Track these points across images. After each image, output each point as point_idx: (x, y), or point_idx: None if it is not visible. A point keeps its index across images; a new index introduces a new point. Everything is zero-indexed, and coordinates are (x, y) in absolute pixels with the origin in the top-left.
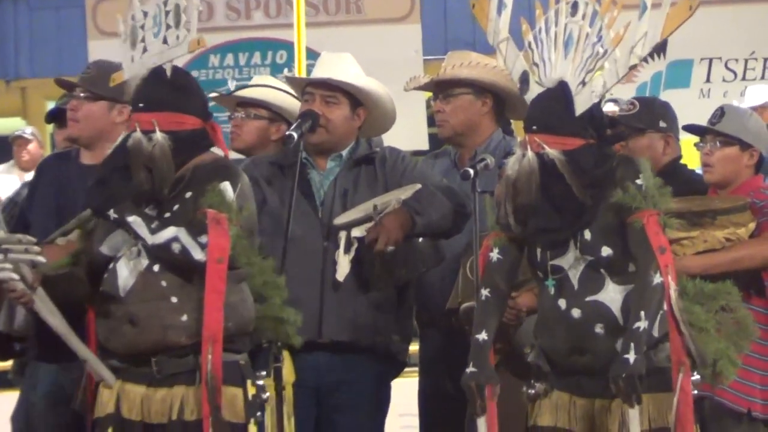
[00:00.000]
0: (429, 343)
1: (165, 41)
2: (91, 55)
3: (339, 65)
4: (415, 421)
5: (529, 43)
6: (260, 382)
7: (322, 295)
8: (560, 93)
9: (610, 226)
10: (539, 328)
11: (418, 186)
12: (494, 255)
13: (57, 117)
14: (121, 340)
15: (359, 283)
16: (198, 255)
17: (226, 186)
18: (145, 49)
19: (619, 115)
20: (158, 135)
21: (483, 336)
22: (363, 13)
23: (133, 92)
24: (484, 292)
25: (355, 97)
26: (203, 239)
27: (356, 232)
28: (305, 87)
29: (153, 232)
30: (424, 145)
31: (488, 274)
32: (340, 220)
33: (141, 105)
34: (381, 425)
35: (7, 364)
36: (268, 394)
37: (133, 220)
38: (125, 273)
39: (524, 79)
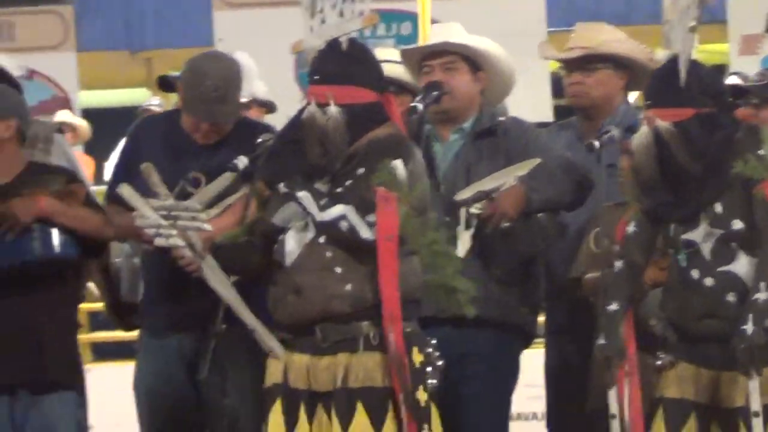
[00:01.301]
0: (554, 315)
1: (341, 14)
2: (216, 26)
3: (451, 32)
4: (542, 392)
5: None
6: (429, 350)
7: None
8: (671, 65)
9: (740, 199)
10: (668, 299)
11: (537, 161)
12: (631, 228)
13: (172, 86)
14: (286, 309)
15: (482, 257)
16: (365, 234)
17: (398, 164)
18: (323, 21)
19: (750, 86)
20: (333, 109)
21: (614, 307)
22: None
23: (309, 64)
24: (619, 264)
25: (473, 61)
26: (371, 218)
27: (475, 209)
28: (422, 61)
29: (322, 208)
30: (548, 116)
31: (624, 246)
32: (460, 196)
33: (317, 78)
34: (508, 397)
35: (134, 334)
36: (441, 362)
37: (303, 195)
38: (292, 244)
39: None
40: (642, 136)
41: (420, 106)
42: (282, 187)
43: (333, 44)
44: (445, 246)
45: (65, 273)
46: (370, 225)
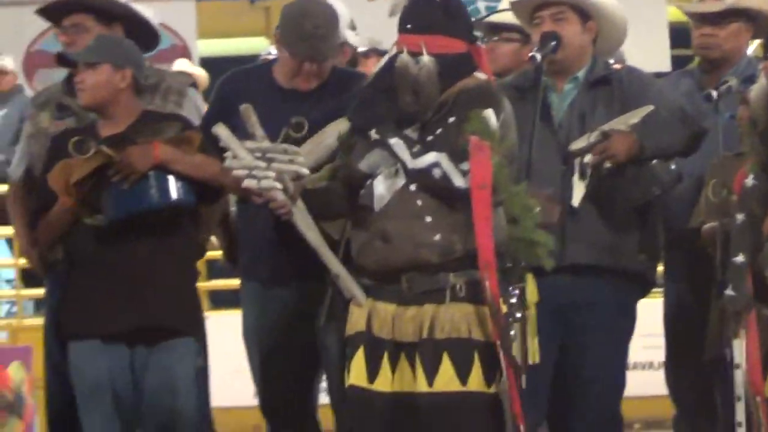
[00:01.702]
0: (673, 264)
1: None
2: None
3: None
4: (658, 342)
5: None
6: (513, 300)
7: (562, 218)
8: None
9: None
10: None
11: (650, 108)
12: (749, 180)
13: None
14: (372, 256)
15: (598, 206)
16: (458, 182)
17: (490, 113)
18: None
19: None
20: (425, 58)
21: (741, 259)
22: None
23: (401, 12)
24: (740, 216)
25: (582, 11)
26: (464, 166)
27: (589, 158)
28: (533, 13)
29: (414, 156)
30: (666, 66)
31: (744, 198)
32: (575, 145)
33: (409, 27)
34: (626, 345)
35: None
36: (520, 314)
37: (395, 142)
38: (381, 190)
39: None
40: (760, 87)
41: (538, 57)
42: (373, 134)
43: None
44: (527, 199)
45: (183, 220)
46: (464, 173)
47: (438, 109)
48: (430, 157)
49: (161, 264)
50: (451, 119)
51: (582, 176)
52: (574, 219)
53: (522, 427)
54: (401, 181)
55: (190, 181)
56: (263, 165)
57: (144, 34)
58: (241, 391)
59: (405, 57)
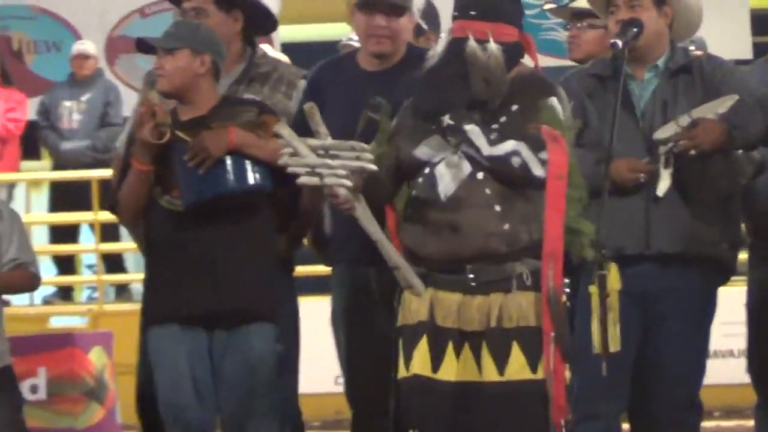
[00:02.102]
0: (757, 251)
1: None
2: None
3: None
4: (738, 330)
5: None
6: (567, 290)
7: (648, 207)
8: None
9: None
10: None
11: (736, 97)
12: None
13: None
14: (437, 246)
15: (683, 195)
16: (538, 171)
17: (555, 102)
18: None
19: None
20: (493, 46)
21: None
22: None
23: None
24: None
25: None
26: (543, 155)
27: (674, 146)
28: (608, 0)
29: (492, 143)
30: (747, 54)
31: None
32: (659, 134)
33: (473, 13)
34: (707, 333)
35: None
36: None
37: (471, 128)
38: (447, 179)
39: None
40: None
41: (619, 44)
42: (447, 119)
43: None
44: (582, 189)
45: (261, 205)
46: (542, 162)
47: (502, 96)
48: (509, 145)
49: (239, 249)
50: (515, 107)
51: (667, 165)
52: (660, 208)
53: (562, 422)
54: (467, 169)
55: (267, 165)
56: (327, 162)
57: (262, 19)
58: (322, 378)
59: (474, 44)
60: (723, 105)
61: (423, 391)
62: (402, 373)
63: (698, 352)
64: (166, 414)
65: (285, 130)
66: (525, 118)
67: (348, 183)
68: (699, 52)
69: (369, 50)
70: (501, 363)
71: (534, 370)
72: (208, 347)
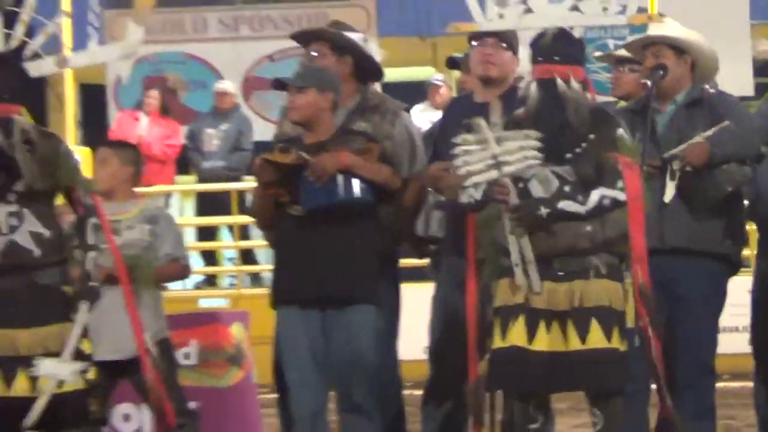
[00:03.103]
0: (763, 241)
1: (605, 9)
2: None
3: (663, 28)
4: (742, 310)
5: None
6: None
7: (660, 211)
8: None
9: None
10: None
11: (726, 123)
12: None
13: (457, 64)
14: (539, 244)
15: (685, 200)
16: (621, 197)
17: (623, 132)
18: (576, 8)
19: None
20: (576, 84)
21: None
22: None
23: (540, 44)
24: None
25: (677, 48)
26: (620, 184)
27: (677, 164)
28: (642, 51)
29: (582, 203)
30: (749, 91)
31: None
32: (669, 153)
33: (557, 58)
34: (718, 313)
35: (424, 261)
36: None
37: (565, 204)
38: (539, 192)
39: None
40: None
41: (649, 83)
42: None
43: (565, 30)
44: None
45: (365, 212)
46: (621, 189)
47: (577, 126)
48: (595, 196)
49: (346, 245)
50: (592, 136)
51: (672, 177)
52: (668, 211)
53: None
54: (555, 183)
55: (370, 183)
56: (507, 148)
57: (370, 67)
58: (416, 348)
59: (562, 84)
60: (713, 129)
61: (519, 359)
62: (498, 344)
63: (711, 327)
64: (289, 377)
65: (482, 122)
66: (601, 146)
67: (534, 162)
68: (712, 90)
69: (478, 74)
70: (583, 335)
71: (609, 340)
72: (321, 325)
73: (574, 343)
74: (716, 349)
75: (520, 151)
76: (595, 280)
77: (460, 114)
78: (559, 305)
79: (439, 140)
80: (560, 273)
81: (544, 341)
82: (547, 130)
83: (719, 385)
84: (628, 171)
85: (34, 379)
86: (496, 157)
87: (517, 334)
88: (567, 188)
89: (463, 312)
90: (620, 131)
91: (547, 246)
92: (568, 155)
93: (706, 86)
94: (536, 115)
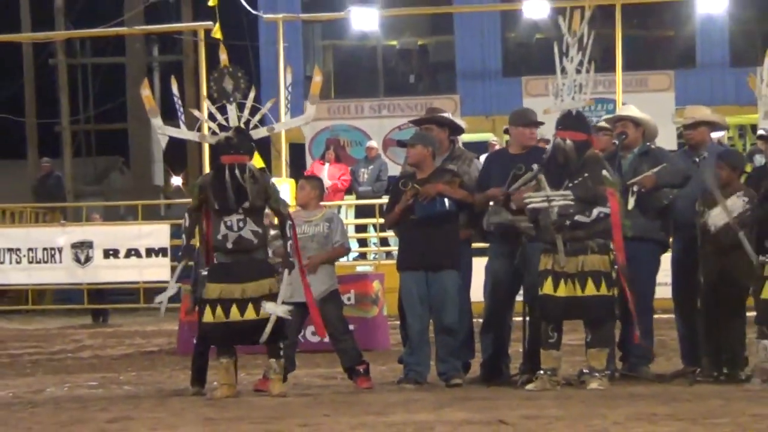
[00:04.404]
0: (677, 234)
1: (573, 98)
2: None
3: (627, 110)
4: (668, 272)
5: None
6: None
7: (625, 215)
8: None
9: None
10: None
11: (664, 165)
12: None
13: (507, 132)
14: (564, 237)
15: (641, 208)
16: (608, 211)
17: (606, 172)
18: (562, 100)
19: None
20: (569, 142)
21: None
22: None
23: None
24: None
25: (636, 123)
26: (608, 204)
27: (635, 186)
28: (614, 123)
29: (587, 216)
30: (674, 146)
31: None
32: (630, 181)
33: (560, 127)
34: (655, 273)
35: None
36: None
37: (579, 218)
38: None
39: None
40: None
41: (617, 142)
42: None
43: (570, 112)
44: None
45: (453, 217)
46: (608, 207)
47: (577, 168)
48: (596, 211)
49: (440, 234)
50: (586, 174)
51: (632, 195)
52: (631, 215)
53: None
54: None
55: (455, 201)
56: (558, 193)
57: (456, 129)
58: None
59: (559, 141)
60: (658, 168)
61: (548, 302)
62: (539, 291)
63: (651, 283)
64: (407, 311)
65: (543, 179)
66: (593, 180)
67: (565, 202)
68: (653, 146)
69: (521, 143)
70: (583, 287)
71: (598, 290)
72: (425, 281)
73: (579, 291)
74: (654, 295)
75: (561, 196)
76: (591, 255)
77: (499, 161)
78: (571, 270)
79: (484, 176)
80: (570, 250)
81: (563, 290)
82: (555, 169)
83: (656, 316)
84: (611, 197)
85: (257, 311)
86: (548, 197)
87: (547, 287)
88: (573, 209)
89: (500, 274)
90: (605, 172)
91: (567, 237)
92: (569, 184)
93: (651, 144)
94: (548, 160)
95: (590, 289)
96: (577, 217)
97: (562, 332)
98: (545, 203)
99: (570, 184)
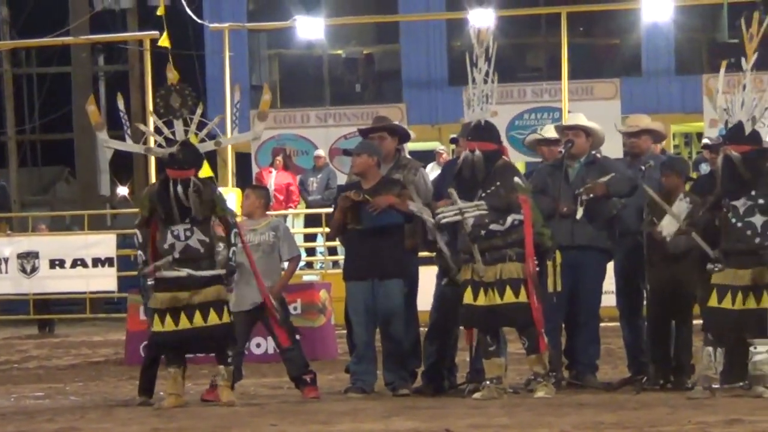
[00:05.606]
0: (621, 242)
1: (482, 108)
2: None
3: (577, 118)
4: (614, 281)
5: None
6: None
7: (573, 223)
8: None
9: None
10: None
11: (613, 174)
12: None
13: (456, 141)
14: (480, 247)
15: (588, 217)
16: (521, 218)
17: (519, 180)
18: (473, 110)
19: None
20: (478, 153)
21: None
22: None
23: (466, 129)
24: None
25: (586, 131)
26: (520, 210)
27: (584, 196)
28: (563, 131)
29: (501, 225)
30: (620, 155)
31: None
32: (578, 190)
33: (469, 137)
34: (601, 281)
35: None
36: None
37: (493, 227)
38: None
39: None
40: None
41: (563, 151)
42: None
43: (479, 122)
44: (539, 216)
45: (399, 228)
46: (522, 214)
47: (488, 177)
48: (510, 219)
49: (386, 245)
50: (498, 183)
51: (581, 204)
52: (578, 223)
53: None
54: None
55: (402, 212)
56: (469, 205)
57: (404, 135)
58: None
59: (468, 154)
60: (606, 177)
61: (468, 309)
62: (463, 301)
63: (597, 290)
64: (353, 321)
65: (454, 192)
66: (505, 189)
67: (479, 212)
68: (599, 155)
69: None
70: (502, 295)
71: (517, 297)
72: (371, 290)
73: (498, 299)
74: (600, 303)
75: (475, 207)
76: (509, 263)
77: (452, 170)
78: (489, 279)
79: (440, 185)
80: (488, 259)
81: (482, 299)
82: (467, 181)
83: (602, 324)
84: (524, 203)
85: (205, 318)
86: (461, 209)
87: (468, 297)
88: (488, 218)
89: (445, 288)
90: (517, 179)
91: (484, 246)
92: (483, 194)
93: (596, 153)
94: (458, 173)
95: (509, 297)
96: (492, 226)
97: (501, 340)
98: (458, 216)
99: (483, 194)
